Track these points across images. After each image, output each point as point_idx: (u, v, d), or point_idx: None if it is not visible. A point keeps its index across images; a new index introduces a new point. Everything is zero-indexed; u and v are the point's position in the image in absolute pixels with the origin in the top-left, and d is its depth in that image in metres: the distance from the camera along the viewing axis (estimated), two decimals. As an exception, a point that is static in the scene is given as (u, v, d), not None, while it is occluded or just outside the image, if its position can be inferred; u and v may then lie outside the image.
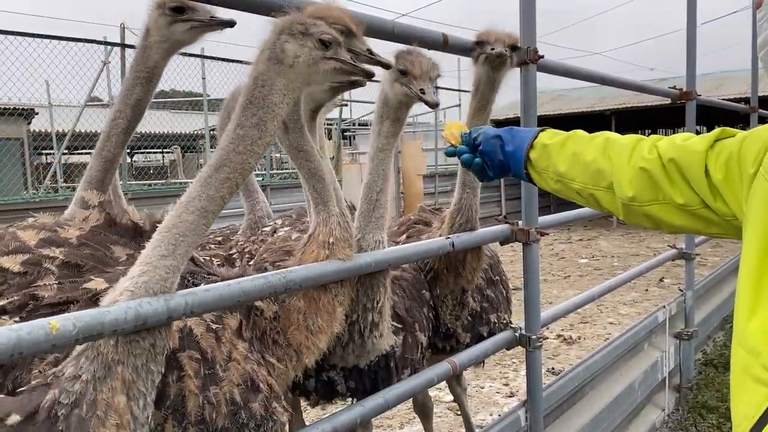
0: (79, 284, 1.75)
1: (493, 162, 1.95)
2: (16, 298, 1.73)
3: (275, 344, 2.07)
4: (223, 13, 2.22)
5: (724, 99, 8.85)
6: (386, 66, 2.05)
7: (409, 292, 2.88)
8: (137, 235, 1.99)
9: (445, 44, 2.59)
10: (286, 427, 2.05)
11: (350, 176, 13.57)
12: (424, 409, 3.80)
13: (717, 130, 1.44)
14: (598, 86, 15.67)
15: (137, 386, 1.51)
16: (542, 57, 2.86)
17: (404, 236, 3.27)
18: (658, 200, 1.52)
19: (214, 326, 1.92)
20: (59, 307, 1.68)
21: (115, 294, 1.53)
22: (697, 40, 5.06)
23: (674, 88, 5.04)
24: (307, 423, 3.36)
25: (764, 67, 1.48)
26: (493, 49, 2.59)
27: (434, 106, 2.33)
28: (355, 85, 1.95)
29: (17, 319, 1.69)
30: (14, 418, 1.43)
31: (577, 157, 1.72)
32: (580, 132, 1.80)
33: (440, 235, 2.82)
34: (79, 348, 1.51)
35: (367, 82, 1.90)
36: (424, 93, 2.25)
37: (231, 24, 2.23)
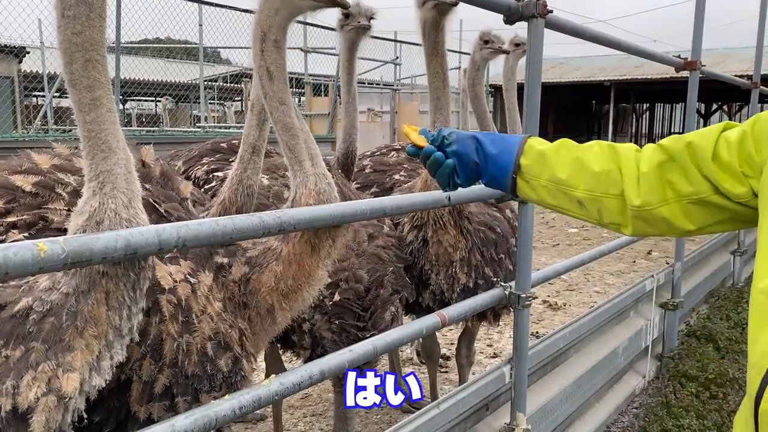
0: None
1: (465, 165, 1.76)
2: (26, 216, 1.77)
3: (245, 307, 2.06)
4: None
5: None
6: None
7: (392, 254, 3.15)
8: (145, 178, 1.98)
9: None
10: (252, 377, 2.08)
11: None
12: (431, 354, 4.22)
13: (721, 124, 1.45)
14: (595, 56, 15.52)
15: (118, 297, 1.52)
16: (551, 11, 2.79)
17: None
18: (667, 201, 1.48)
19: (191, 279, 1.93)
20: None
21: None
22: (705, 9, 4.98)
23: (679, 57, 4.97)
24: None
25: None
26: None
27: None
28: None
29: (26, 234, 1.73)
30: None
31: (581, 162, 1.61)
32: (569, 141, 1.72)
33: None
34: None
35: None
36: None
37: None
